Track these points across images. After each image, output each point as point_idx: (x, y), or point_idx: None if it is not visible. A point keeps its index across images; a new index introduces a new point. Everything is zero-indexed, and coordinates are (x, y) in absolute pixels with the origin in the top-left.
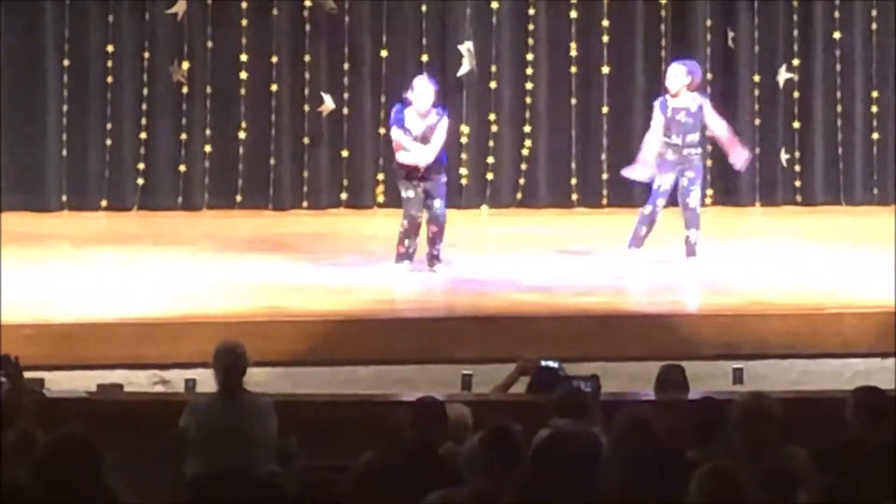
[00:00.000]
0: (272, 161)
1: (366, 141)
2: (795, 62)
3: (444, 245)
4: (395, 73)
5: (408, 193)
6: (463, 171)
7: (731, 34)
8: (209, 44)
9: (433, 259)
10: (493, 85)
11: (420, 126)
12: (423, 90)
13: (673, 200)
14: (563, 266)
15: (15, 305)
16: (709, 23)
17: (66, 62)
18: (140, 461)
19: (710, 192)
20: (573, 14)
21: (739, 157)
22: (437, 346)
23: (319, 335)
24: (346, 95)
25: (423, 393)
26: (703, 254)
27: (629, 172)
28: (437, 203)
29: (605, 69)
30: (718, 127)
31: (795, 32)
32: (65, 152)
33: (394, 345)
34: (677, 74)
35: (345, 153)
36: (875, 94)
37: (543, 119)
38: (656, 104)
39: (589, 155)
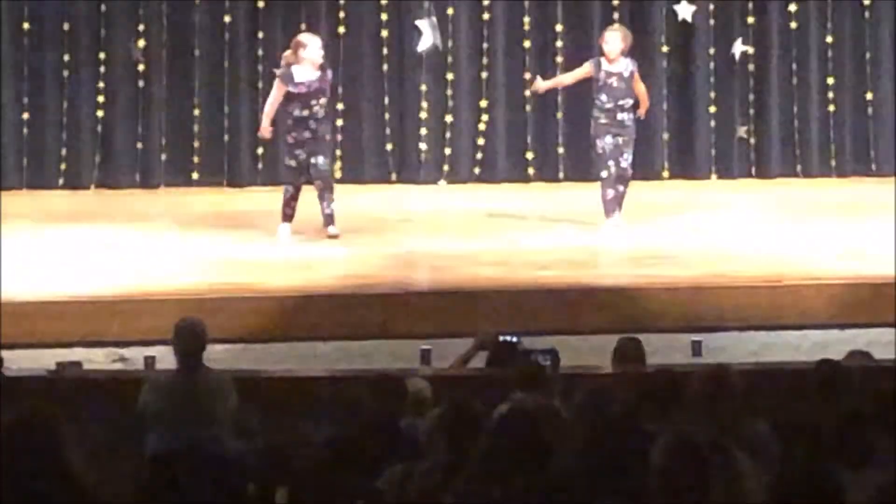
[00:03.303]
0: (227, 138)
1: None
2: (751, 35)
3: (402, 221)
4: (353, 49)
5: (290, 162)
6: (422, 145)
7: (691, 8)
8: (164, 21)
9: (328, 219)
10: (449, 60)
11: (314, 79)
12: (314, 43)
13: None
14: (521, 240)
15: None
16: None
17: (24, 41)
18: (100, 439)
19: (666, 165)
20: None
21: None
22: (395, 320)
23: (278, 311)
24: None
25: (382, 368)
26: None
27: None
28: (321, 160)
29: (560, 42)
30: (640, 90)
31: (750, 5)
32: (25, 131)
33: (353, 320)
34: (614, 39)
35: None
36: (830, 65)
37: (500, 93)
38: (589, 62)
39: (545, 129)
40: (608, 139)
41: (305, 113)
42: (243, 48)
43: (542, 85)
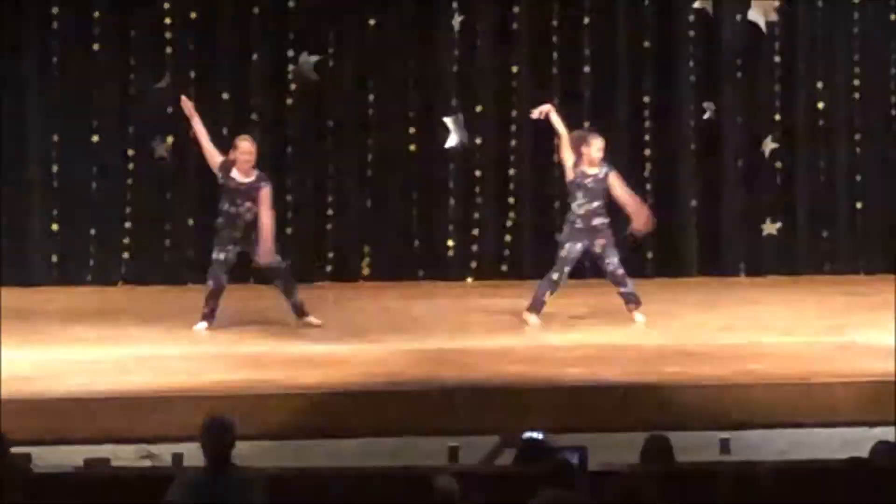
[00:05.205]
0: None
1: (351, 213)
2: (779, 133)
3: (429, 318)
4: (380, 146)
5: (218, 256)
6: (449, 242)
7: (710, 107)
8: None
9: (301, 309)
10: (477, 156)
11: (244, 180)
12: (246, 148)
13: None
14: (549, 336)
15: (1, 381)
16: (693, 94)
17: (54, 137)
18: None
19: (694, 262)
20: (556, 86)
21: (640, 219)
22: (423, 417)
23: (307, 408)
24: (329, 167)
25: (409, 465)
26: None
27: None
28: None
29: None
30: (623, 194)
31: (777, 102)
32: (55, 227)
33: (380, 417)
34: (602, 147)
35: (329, 226)
36: (858, 162)
37: (527, 190)
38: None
39: None
40: (578, 246)
41: (233, 210)
42: (269, 144)
43: (545, 110)
